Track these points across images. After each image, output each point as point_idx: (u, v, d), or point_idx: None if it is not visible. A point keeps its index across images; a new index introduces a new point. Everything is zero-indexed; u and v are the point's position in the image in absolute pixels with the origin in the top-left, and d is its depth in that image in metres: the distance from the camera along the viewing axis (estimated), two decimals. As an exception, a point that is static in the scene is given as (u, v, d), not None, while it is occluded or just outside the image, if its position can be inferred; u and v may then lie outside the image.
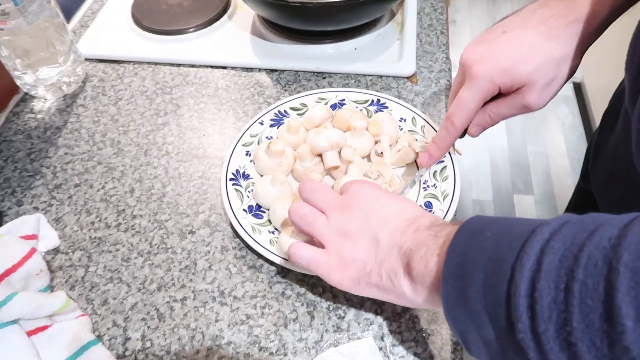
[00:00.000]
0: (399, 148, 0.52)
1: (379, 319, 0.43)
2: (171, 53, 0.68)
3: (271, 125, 0.56)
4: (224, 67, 0.67)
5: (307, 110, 0.57)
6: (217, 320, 0.44)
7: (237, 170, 0.52)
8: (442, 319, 0.43)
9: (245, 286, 0.46)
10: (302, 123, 0.55)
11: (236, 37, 0.71)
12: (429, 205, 0.49)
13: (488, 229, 0.31)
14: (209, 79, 0.66)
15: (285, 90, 0.63)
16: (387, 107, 0.57)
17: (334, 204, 0.42)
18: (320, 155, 0.52)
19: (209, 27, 0.71)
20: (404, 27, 0.70)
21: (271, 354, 0.42)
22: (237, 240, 0.49)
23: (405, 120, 0.56)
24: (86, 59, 0.68)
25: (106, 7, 0.76)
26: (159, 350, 0.42)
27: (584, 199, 0.68)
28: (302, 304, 0.45)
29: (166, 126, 0.60)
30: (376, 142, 0.54)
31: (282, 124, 0.56)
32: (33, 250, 0.45)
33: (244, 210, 0.49)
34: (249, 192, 0.51)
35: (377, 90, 0.62)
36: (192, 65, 0.67)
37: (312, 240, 0.43)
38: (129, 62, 0.68)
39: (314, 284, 0.46)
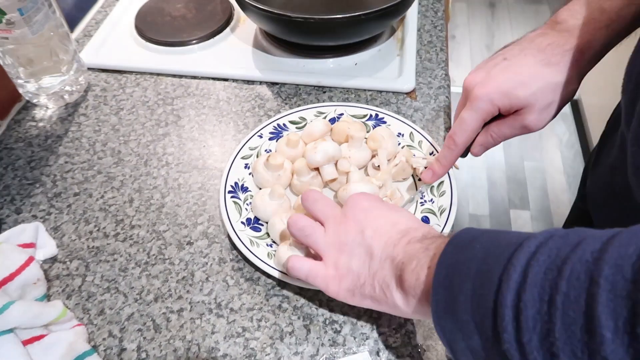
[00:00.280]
0: (397, 162, 0.53)
1: (375, 334, 0.44)
2: (173, 64, 0.69)
3: (270, 139, 0.57)
4: (226, 79, 0.68)
5: (305, 123, 0.58)
6: (213, 333, 0.44)
7: (236, 183, 0.52)
8: (438, 336, 0.43)
9: (242, 298, 0.46)
10: (301, 137, 0.55)
11: (238, 50, 0.71)
12: (426, 220, 0.49)
13: (477, 241, 0.32)
14: (210, 91, 0.66)
15: (286, 104, 0.64)
16: (385, 122, 0.58)
17: (332, 216, 0.42)
18: (317, 169, 0.53)
19: (211, 40, 0.72)
20: (404, 44, 0.71)
21: (267, 367, 0.42)
22: (234, 252, 0.49)
23: (403, 135, 0.57)
24: (89, 69, 0.69)
25: (110, 18, 0.76)
26: (154, 362, 0.42)
27: (580, 218, 0.68)
28: (299, 317, 0.45)
29: (167, 137, 0.61)
30: (373, 156, 0.54)
31: (281, 137, 0.57)
32: (31, 259, 0.45)
33: (242, 222, 0.49)
34: (247, 204, 0.51)
35: (377, 106, 0.63)
36: (194, 77, 0.68)
37: (309, 252, 0.44)
38: (131, 72, 0.69)
39: (311, 297, 0.46)
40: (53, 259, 0.49)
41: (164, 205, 0.54)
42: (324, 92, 0.65)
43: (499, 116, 0.47)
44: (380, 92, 0.65)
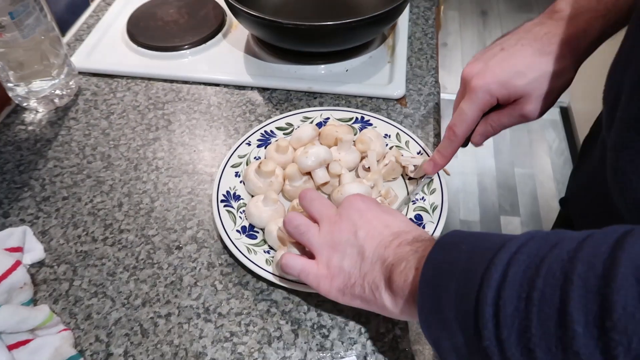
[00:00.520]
0: (386, 163, 0.53)
1: (363, 339, 0.44)
2: (165, 69, 0.69)
3: (258, 146, 0.57)
4: (217, 85, 0.68)
5: (292, 129, 0.58)
6: (201, 337, 0.44)
7: (228, 192, 0.52)
8: (425, 340, 0.43)
9: (230, 303, 0.46)
10: (290, 142, 0.56)
11: (230, 56, 0.72)
12: (419, 218, 0.50)
13: (463, 243, 0.33)
14: (201, 96, 0.66)
15: (277, 109, 0.64)
16: (371, 124, 0.59)
17: (327, 216, 0.43)
18: (308, 173, 0.53)
19: (203, 45, 0.73)
20: (395, 51, 0.72)
21: (254, 372, 0.42)
22: (223, 257, 0.49)
23: (390, 136, 0.57)
24: (80, 73, 0.69)
25: (102, 22, 0.77)
26: (141, 367, 0.42)
27: (564, 224, 0.69)
28: (287, 322, 0.45)
29: (157, 141, 0.61)
30: (363, 158, 0.55)
31: (269, 143, 0.57)
32: (18, 263, 0.44)
33: (238, 231, 0.49)
34: (241, 212, 0.51)
35: (367, 111, 0.63)
36: (185, 82, 0.68)
37: (306, 252, 0.44)
38: (122, 76, 0.69)
39: (299, 302, 0.46)
40: (40, 263, 0.49)
41: (153, 209, 0.53)
42: (315, 98, 0.66)
43: (498, 106, 0.47)
44: (371, 98, 0.66)
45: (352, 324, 0.45)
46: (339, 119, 0.59)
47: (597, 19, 0.44)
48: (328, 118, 0.59)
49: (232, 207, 0.51)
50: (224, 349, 0.43)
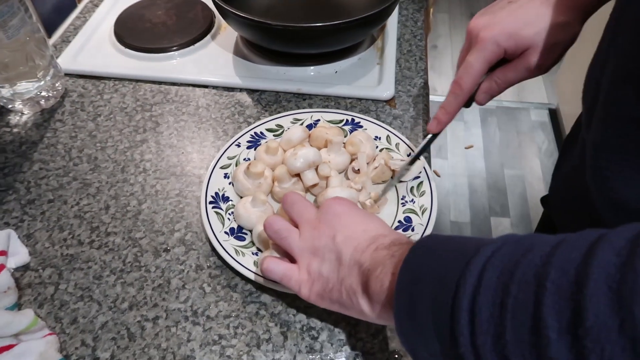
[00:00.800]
0: (376, 165, 0.53)
1: (353, 340, 0.43)
2: (153, 71, 0.68)
3: (248, 147, 0.56)
4: (206, 86, 0.67)
5: (282, 131, 0.58)
6: (189, 340, 0.43)
7: (217, 193, 0.52)
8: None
9: (218, 306, 0.46)
10: (280, 144, 0.55)
11: (219, 57, 0.71)
12: (408, 220, 0.50)
13: (439, 248, 0.32)
14: (189, 98, 0.66)
15: (266, 111, 0.64)
16: (361, 126, 0.59)
17: (308, 220, 0.43)
18: (298, 175, 0.53)
19: (191, 47, 0.72)
20: (384, 52, 0.72)
21: (243, 375, 0.42)
22: (212, 259, 0.49)
23: (380, 138, 0.57)
24: (66, 74, 0.68)
25: (89, 24, 0.76)
26: (128, 371, 0.42)
27: (548, 222, 0.69)
28: (276, 324, 0.44)
29: (145, 143, 0.60)
30: (352, 160, 0.55)
31: (259, 145, 0.57)
32: (2, 267, 0.44)
33: (226, 232, 0.49)
34: (229, 214, 0.51)
35: (356, 113, 0.63)
36: (174, 84, 0.68)
37: (287, 254, 0.44)
38: (109, 78, 0.68)
39: (288, 304, 0.46)
40: (25, 267, 0.48)
41: (140, 212, 0.53)
42: (304, 100, 0.66)
43: (503, 63, 0.47)
44: (360, 99, 0.66)
45: (341, 325, 0.44)
46: (329, 121, 0.59)
47: None
48: (318, 120, 0.59)
49: (221, 208, 0.51)
50: (212, 352, 0.43)
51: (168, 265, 0.48)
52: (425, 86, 0.69)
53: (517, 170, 1.81)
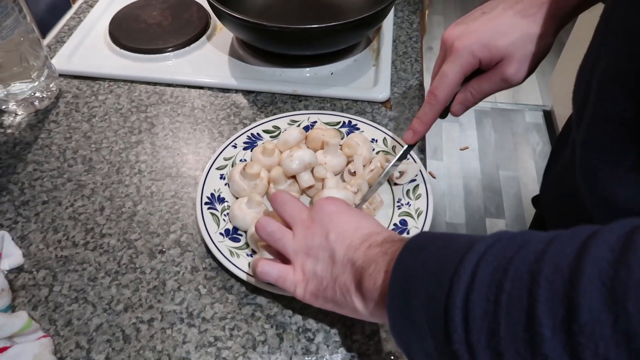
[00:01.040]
0: (372, 168, 0.53)
1: (348, 342, 0.43)
2: (148, 72, 0.68)
3: (245, 148, 0.56)
4: (201, 87, 0.67)
5: (279, 132, 0.58)
6: (184, 342, 0.43)
7: (212, 194, 0.52)
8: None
9: (214, 307, 0.46)
10: (277, 145, 0.55)
11: (214, 58, 0.71)
12: (403, 223, 0.50)
13: (432, 245, 0.32)
14: (185, 99, 0.66)
15: (262, 112, 0.64)
16: (358, 129, 0.59)
17: (300, 220, 0.43)
18: (294, 177, 0.53)
19: (187, 47, 0.72)
20: (379, 54, 0.72)
21: (238, 377, 0.41)
22: (207, 260, 0.49)
23: (376, 141, 0.57)
24: (61, 75, 0.68)
25: (83, 24, 0.76)
26: (123, 374, 0.41)
27: (539, 222, 0.70)
28: (272, 326, 0.44)
29: (140, 144, 0.60)
30: (349, 162, 0.55)
31: (255, 146, 0.57)
32: (-5, 269, 0.43)
33: (221, 234, 0.49)
34: (224, 215, 0.51)
35: (352, 115, 0.63)
36: (169, 85, 0.68)
37: (279, 254, 0.44)
38: (104, 79, 0.68)
39: (284, 306, 0.46)
40: (19, 269, 0.48)
41: (135, 213, 0.53)
42: (300, 101, 0.66)
43: (478, 73, 0.47)
44: (356, 101, 0.66)
45: (337, 327, 0.44)
46: (326, 123, 0.59)
47: None
48: (315, 122, 0.59)
49: (216, 209, 0.51)
50: (207, 354, 0.43)
51: (163, 267, 0.48)
52: (421, 88, 0.69)
53: (512, 171, 1.82)
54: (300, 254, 0.41)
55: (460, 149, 1.88)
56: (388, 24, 0.77)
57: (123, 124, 0.62)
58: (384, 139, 0.58)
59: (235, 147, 0.56)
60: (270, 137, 0.58)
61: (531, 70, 0.46)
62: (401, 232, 0.49)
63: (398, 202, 0.52)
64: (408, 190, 0.53)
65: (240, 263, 0.46)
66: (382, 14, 0.66)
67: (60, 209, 0.53)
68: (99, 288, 0.47)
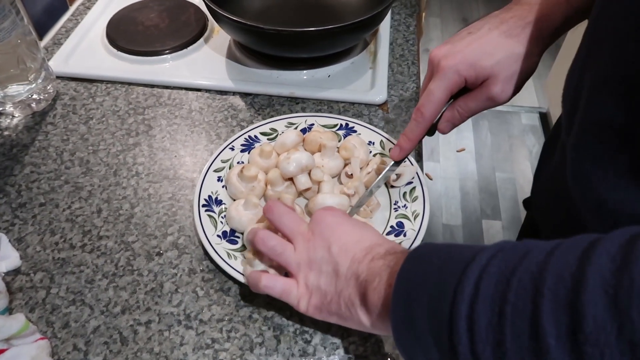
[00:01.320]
0: (369, 170, 0.54)
1: (345, 343, 0.44)
2: (145, 74, 0.68)
3: (242, 151, 0.57)
4: (199, 90, 0.67)
5: (277, 135, 0.58)
6: (181, 344, 0.43)
7: (210, 196, 0.52)
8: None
9: (211, 309, 0.46)
10: (274, 148, 0.56)
11: (211, 61, 0.71)
12: (400, 226, 0.50)
13: (434, 256, 0.32)
14: (182, 101, 0.66)
15: (259, 114, 0.64)
16: (355, 131, 0.59)
17: (300, 233, 0.43)
18: (291, 179, 0.53)
19: (184, 50, 0.72)
20: (376, 57, 0.72)
21: (236, 379, 0.42)
22: (205, 262, 0.49)
23: (373, 143, 0.58)
24: (58, 77, 0.68)
25: (81, 26, 0.76)
26: (120, 376, 0.42)
27: (531, 225, 0.70)
28: (269, 328, 0.44)
29: (137, 146, 0.60)
30: (346, 165, 0.55)
31: (252, 148, 0.57)
32: (-8, 271, 0.43)
33: (218, 236, 0.49)
34: (222, 217, 0.51)
35: (349, 117, 0.64)
36: (166, 87, 0.68)
37: (272, 262, 0.44)
38: (101, 81, 0.68)
39: (281, 308, 0.46)
40: (16, 271, 0.48)
41: (133, 215, 0.53)
42: (297, 104, 0.66)
43: (465, 91, 0.48)
44: (353, 103, 0.66)
45: (334, 328, 0.44)
46: (323, 125, 0.59)
47: (560, 5, 0.45)
48: (313, 124, 0.59)
49: (214, 211, 0.51)
50: (205, 356, 0.43)
51: (161, 269, 0.48)
52: (418, 91, 0.69)
53: (509, 173, 1.83)
54: (302, 268, 0.41)
55: (457, 151, 1.89)
56: (385, 27, 0.77)
57: (120, 126, 0.62)
58: (381, 141, 0.58)
59: (232, 149, 0.56)
60: (268, 139, 0.58)
61: (517, 89, 0.47)
62: (398, 235, 0.49)
63: (395, 204, 0.52)
64: (405, 193, 0.53)
65: (237, 265, 0.46)
66: (379, 17, 0.66)
67: (57, 211, 0.53)
68: (96, 290, 0.47)
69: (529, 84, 2.13)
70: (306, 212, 0.52)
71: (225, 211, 0.51)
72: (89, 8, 0.80)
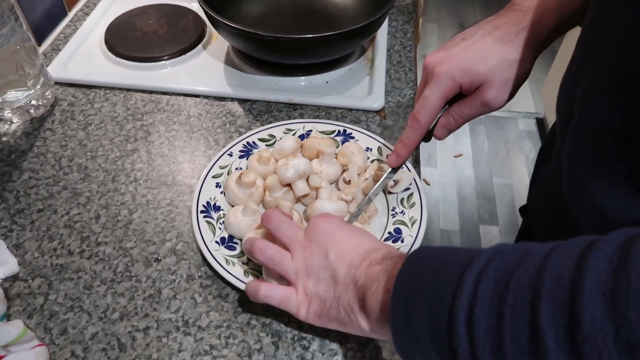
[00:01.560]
0: (367, 177, 0.54)
1: (344, 350, 0.44)
2: (144, 80, 0.69)
3: (240, 157, 0.57)
4: (197, 96, 0.68)
5: (275, 141, 0.58)
6: (180, 351, 0.43)
7: (208, 202, 0.52)
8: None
9: (210, 316, 0.46)
10: (272, 154, 0.56)
11: (210, 67, 0.72)
12: (398, 232, 0.50)
13: (432, 259, 0.33)
14: (181, 107, 0.66)
15: (257, 121, 0.64)
16: (353, 137, 0.59)
17: (297, 241, 0.43)
18: (289, 185, 0.53)
19: (183, 56, 0.72)
20: (374, 63, 0.73)
21: (234, 385, 0.42)
22: (203, 269, 0.49)
23: (371, 149, 0.58)
24: (56, 83, 0.68)
25: (79, 32, 0.76)
26: (118, 382, 0.41)
27: (527, 231, 0.70)
28: (267, 334, 0.45)
29: (135, 152, 0.60)
30: (344, 171, 0.55)
31: (251, 154, 0.57)
32: (-10, 278, 0.43)
33: (217, 242, 0.49)
34: (220, 223, 0.51)
35: (347, 123, 0.64)
36: (165, 93, 0.68)
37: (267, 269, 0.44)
38: (100, 87, 0.68)
39: (280, 314, 0.46)
40: (14, 277, 0.48)
41: (131, 221, 0.53)
42: (295, 110, 0.66)
43: (460, 98, 0.48)
44: (351, 110, 0.66)
45: (333, 334, 0.45)
46: (321, 132, 0.60)
47: (552, 11, 0.46)
48: (311, 130, 0.60)
49: (212, 217, 0.51)
50: (203, 363, 0.43)
51: (159, 275, 0.48)
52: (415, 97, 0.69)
53: (506, 178, 1.83)
54: (300, 275, 0.41)
55: (454, 156, 1.90)
56: (382, 34, 0.78)
57: (119, 132, 0.62)
58: (379, 147, 0.58)
59: (231, 155, 0.57)
60: (266, 145, 0.58)
61: (511, 94, 0.48)
62: (395, 241, 0.50)
63: (392, 210, 0.52)
64: (402, 199, 0.53)
65: (235, 271, 0.46)
66: (376, 23, 0.67)
67: (55, 217, 0.53)
68: (94, 296, 0.47)
69: (526, 90, 2.14)
70: (304, 218, 0.52)
71: (223, 217, 0.51)
72: (87, 14, 0.80)
